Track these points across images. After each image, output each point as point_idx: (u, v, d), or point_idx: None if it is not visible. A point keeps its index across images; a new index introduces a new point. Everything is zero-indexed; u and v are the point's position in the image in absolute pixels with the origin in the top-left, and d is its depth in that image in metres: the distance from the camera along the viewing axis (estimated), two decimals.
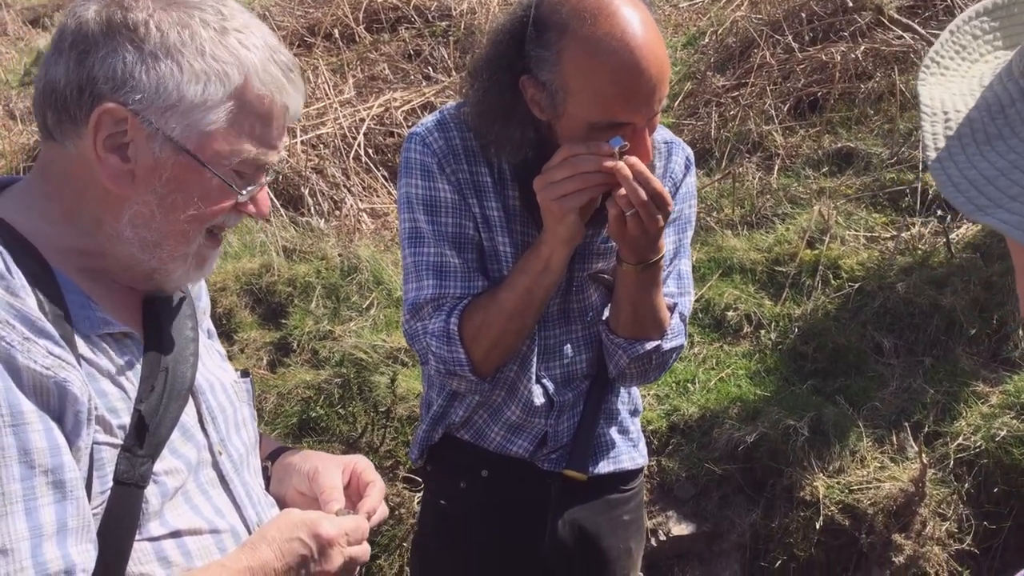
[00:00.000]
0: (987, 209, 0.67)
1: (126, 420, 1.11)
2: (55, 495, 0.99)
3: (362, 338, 3.73)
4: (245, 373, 1.40)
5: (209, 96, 1.11)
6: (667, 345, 1.80)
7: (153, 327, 1.21)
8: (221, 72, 1.11)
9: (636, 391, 2.01)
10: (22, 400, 0.98)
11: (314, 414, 3.45)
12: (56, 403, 1.01)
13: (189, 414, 1.20)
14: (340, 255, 4.22)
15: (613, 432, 1.93)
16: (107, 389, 1.10)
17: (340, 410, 3.47)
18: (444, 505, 1.94)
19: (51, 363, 1.01)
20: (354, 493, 1.36)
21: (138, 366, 1.15)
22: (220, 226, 1.21)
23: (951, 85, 0.77)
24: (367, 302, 3.99)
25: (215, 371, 1.31)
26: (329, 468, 1.36)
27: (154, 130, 1.09)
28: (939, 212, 3.89)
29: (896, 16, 4.57)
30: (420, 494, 2.98)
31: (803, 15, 5.18)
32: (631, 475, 1.97)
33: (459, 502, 1.92)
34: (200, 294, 1.39)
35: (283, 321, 3.95)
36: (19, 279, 1.03)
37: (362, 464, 1.40)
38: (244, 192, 1.17)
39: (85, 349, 1.09)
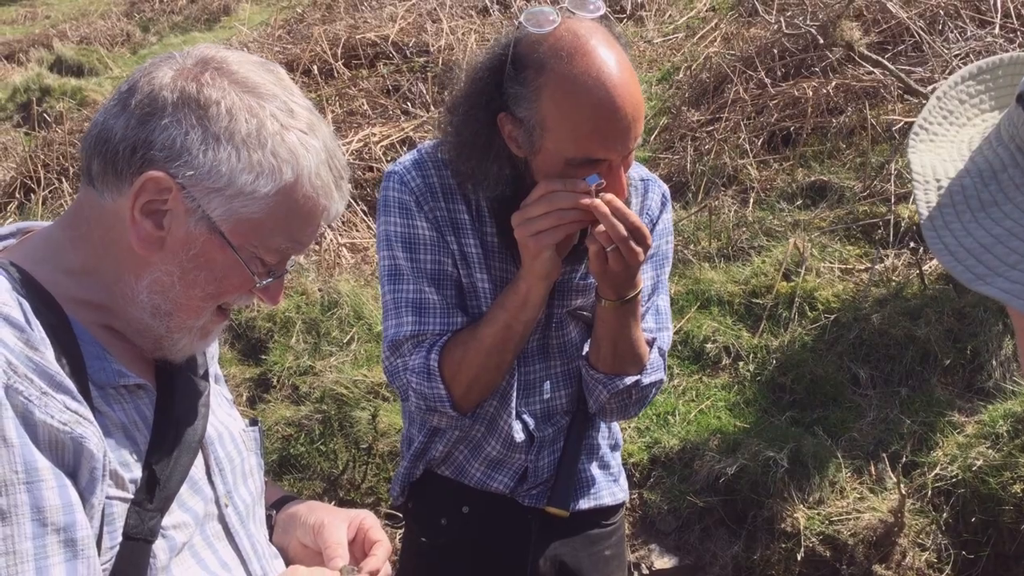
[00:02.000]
0: (986, 278, 0.67)
1: (137, 474, 1.10)
2: (66, 554, 0.98)
3: (343, 373, 3.73)
4: (254, 422, 1.39)
5: (258, 188, 1.11)
6: (646, 380, 1.81)
7: (165, 378, 1.21)
8: (276, 168, 1.11)
9: (616, 426, 2.02)
10: (37, 457, 0.97)
11: (295, 451, 3.43)
12: (71, 459, 1.01)
13: (198, 466, 1.20)
14: (320, 290, 4.22)
15: (594, 467, 1.94)
16: (119, 443, 1.10)
17: (321, 447, 3.45)
18: (425, 542, 1.94)
19: (68, 418, 1.00)
20: (358, 550, 1.34)
21: (150, 419, 1.15)
22: (230, 304, 1.20)
23: (940, 151, 0.78)
24: (347, 337, 3.99)
25: (224, 420, 1.31)
26: (335, 523, 1.34)
27: (196, 207, 1.10)
28: (912, 244, 3.96)
29: (866, 52, 4.67)
30: (401, 531, 2.96)
31: (775, 51, 5.29)
32: (612, 510, 1.97)
33: (440, 539, 1.91)
34: None
35: (263, 357, 3.94)
36: (38, 331, 1.03)
37: (369, 521, 1.38)
38: (263, 282, 1.17)
39: (99, 401, 1.09)
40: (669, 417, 3.49)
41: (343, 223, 4.97)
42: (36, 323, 1.03)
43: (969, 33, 4.90)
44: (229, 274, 1.14)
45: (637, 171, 1.87)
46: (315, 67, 6.21)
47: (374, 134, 5.50)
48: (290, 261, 1.24)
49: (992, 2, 4.96)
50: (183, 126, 1.08)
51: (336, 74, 6.16)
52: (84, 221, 1.14)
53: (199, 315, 1.16)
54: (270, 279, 1.19)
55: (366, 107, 5.82)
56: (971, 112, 0.82)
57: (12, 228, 1.20)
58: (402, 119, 5.72)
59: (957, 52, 4.79)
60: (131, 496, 1.09)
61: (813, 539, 2.98)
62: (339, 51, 6.31)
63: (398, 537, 3.02)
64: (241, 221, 1.11)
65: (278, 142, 1.11)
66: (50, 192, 5.66)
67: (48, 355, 1.02)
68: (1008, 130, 0.72)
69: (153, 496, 1.10)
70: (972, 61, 4.67)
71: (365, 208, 5.08)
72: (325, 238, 4.79)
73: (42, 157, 5.90)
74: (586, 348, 1.84)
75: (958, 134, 0.81)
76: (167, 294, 1.13)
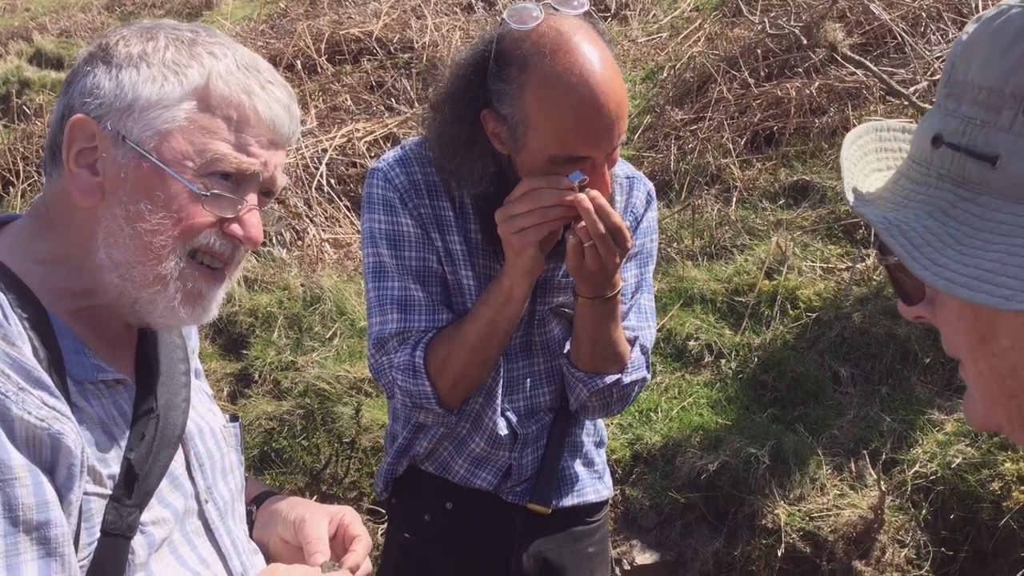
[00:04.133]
0: (1018, 296, 0.69)
1: (115, 469, 1.09)
2: (39, 551, 0.96)
3: (325, 369, 3.71)
4: (234, 418, 1.37)
5: (166, 94, 1.09)
6: (627, 379, 1.81)
7: (145, 372, 1.19)
8: (179, 72, 1.10)
9: (601, 422, 2.02)
10: (12, 454, 0.95)
11: (277, 445, 3.41)
12: (49, 455, 0.99)
13: (178, 462, 1.18)
14: (303, 285, 4.21)
15: (578, 465, 1.94)
16: (97, 438, 1.08)
17: (303, 441, 3.43)
18: (408, 538, 1.93)
19: (46, 415, 0.99)
20: (339, 546, 1.34)
21: (129, 413, 1.13)
22: (206, 250, 1.13)
23: (879, 203, 0.82)
24: (330, 332, 3.97)
25: (204, 415, 1.29)
26: (316, 518, 1.33)
27: (115, 135, 1.08)
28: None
29: (849, 53, 4.69)
30: (384, 526, 2.96)
31: (759, 52, 5.31)
32: (596, 507, 1.98)
33: (423, 535, 1.91)
34: (191, 333, 1.36)
35: (244, 352, 3.92)
36: (15, 325, 1.02)
37: (349, 516, 1.37)
38: (207, 193, 1.10)
39: (77, 396, 1.07)
40: (651, 414, 3.50)
41: (326, 218, 4.95)
42: (13, 317, 1.02)
43: (951, 35, 4.94)
44: (172, 199, 1.09)
45: (623, 169, 1.87)
46: (298, 62, 6.18)
47: (357, 130, 5.48)
48: (268, 204, 1.19)
49: (974, 5, 5.01)
50: (92, 71, 1.10)
51: (319, 69, 6.14)
52: (44, 208, 1.14)
53: (160, 260, 1.10)
54: (237, 206, 1.12)
55: (350, 103, 5.80)
56: (872, 159, 0.88)
57: None
58: (386, 115, 5.70)
59: (939, 54, 4.83)
60: (109, 492, 1.07)
61: (794, 535, 3.00)
62: (323, 46, 6.28)
63: (380, 532, 3.02)
64: (162, 134, 1.09)
65: (180, 52, 1.11)
66: (29, 185, 5.60)
67: (25, 350, 1.00)
68: (937, 170, 0.77)
69: (132, 492, 1.08)
70: None
71: (348, 204, 5.07)
72: (308, 233, 4.78)
73: (21, 150, 5.84)
74: (567, 346, 1.84)
75: (876, 178, 0.86)
76: (120, 241, 1.09)
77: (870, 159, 0.87)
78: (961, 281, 0.72)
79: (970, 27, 0.78)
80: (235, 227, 1.14)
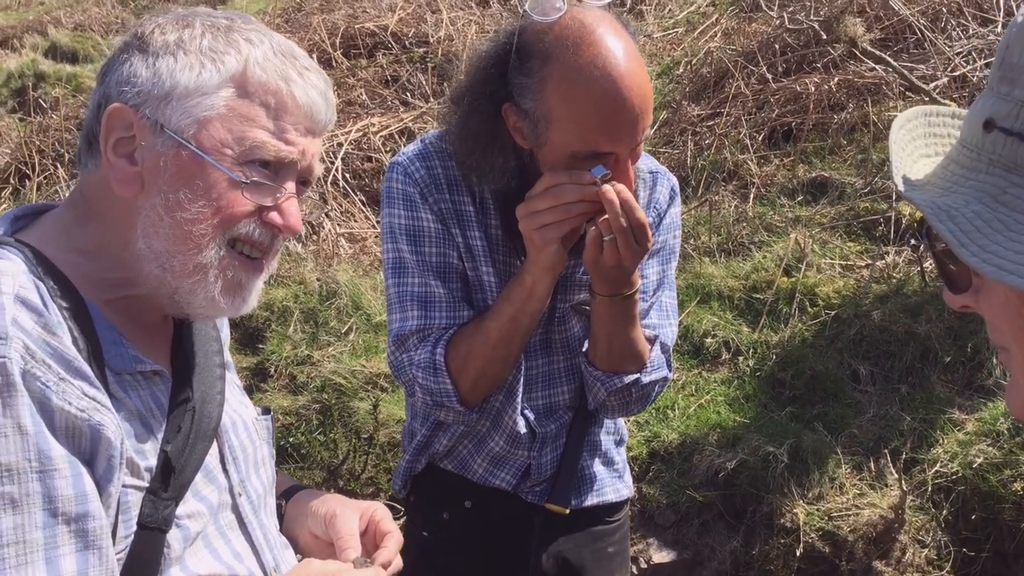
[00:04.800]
0: None
1: (152, 462, 1.08)
2: (77, 544, 0.96)
3: (341, 363, 3.71)
4: (266, 410, 1.36)
5: (204, 82, 1.07)
6: (647, 378, 1.78)
7: (181, 364, 1.18)
8: (217, 59, 1.08)
9: (621, 421, 1.99)
10: (52, 445, 0.95)
11: (294, 440, 3.41)
12: (88, 446, 0.99)
13: (212, 455, 1.17)
14: (318, 280, 4.20)
15: (597, 464, 1.92)
16: (135, 430, 1.07)
17: (320, 436, 3.43)
18: (426, 536, 1.92)
19: (86, 405, 0.98)
20: (369, 542, 1.33)
21: (166, 405, 1.12)
22: (245, 239, 1.12)
23: (928, 188, 0.81)
24: (346, 327, 3.97)
25: (237, 408, 1.28)
26: (347, 514, 1.32)
27: (153, 123, 1.07)
28: (912, 241, 3.95)
29: (869, 48, 4.65)
30: (401, 523, 2.95)
31: (777, 47, 5.27)
32: (616, 507, 1.96)
33: (442, 533, 1.89)
34: (222, 325, 1.35)
35: (260, 346, 3.92)
36: (55, 315, 1.01)
37: (380, 512, 1.36)
38: (246, 181, 1.08)
39: (115, 387, 1.06)
40: (668, 411, 3.48)
41: (341, 213, 4.95)
42: (53, 306, 1.01)
43: (971, 31, 4.89)
44: (212, 187, 1.08)
45: (646, 163, 1.85)
46: (313, 56, 6.15)
47: (373, 124, 5.47)
48: (306, 193, 1.18)
49: (995, 1, 4.95)
50: (128, 59, 1.09)
51: (334, 64, 6.13)
52: (82, 199, 1.13)
53: (200, 249, 1.08)
54: (276, 194, 1.11)
55: (365, 97, 5.78)
56: (921, 151, 0.87)
57: (26, 209, 1.17)
58: (401, 110, 5.69)
59: (959, 50, 4.78)
60: (146, 484, 1.07)
61: (812, 535, 2.97)
62: (338, 41, 6.27)
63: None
64: (201, 122, 1.07)
65: (217, 40, 1.09)
66: (45, 178, 5.62)
67: (65, 339, 1.00)
68: (988, 155, 0.76)
69: (168, 484, 1.08)
70: (974, 59, 4.67)
71: (363, 198, 5.06)
72: (323, 228, 4.77)
73: (37, 143, 5.85)
74: (586, 345, 1.82)
75: (926, 163, 0.85)
76: (160, 231, 1.08)
77: (918, 144, 0.86)
78: (1012, 268, 0.71)
79: None
80: (274, 215, 1.13)
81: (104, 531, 0.99)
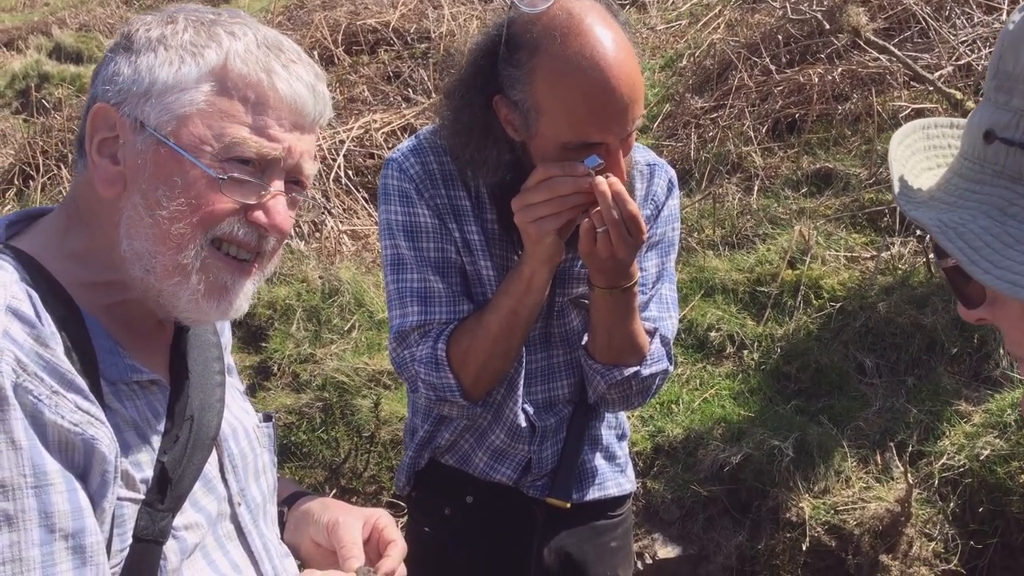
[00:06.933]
0: None
1: (149, 473, 1.06)
2: (74, 560, 0.94)
3: (344, 361, 3.70)
4: (268, 417, 1.34)
5: (183, 77, 1.05)
6: (647, 371, 1.77)
7: (180, 371, 1.15)
8: (197, 53, 1.06)
9: (623, 415, 1.99)
10: (47, 459, 0.93)
11: (296, 439, 3.41)
12: (82, 460, 0.97)
13: (211, 464, 1.15)
14: (321, 277, 4.20)
15: (598, 458, 1.91)
16: (131, 440, 1.05)
17: (322, 435, 3.43)
18: (428, 532, 1.91)
19: (79, 419, 0.96)
20: (373, 550, 1.30)
21: (163, 415, 1.10)
22: (229, 239, 1.09)
23: (932, 204, 0.79)
24: (348, 324, 3.96)
25: (238, 415, 1.26)
26: (350, 521, 1.29)
27: (134, 121, 1.05)
28: (918, 232, 3.92)
29: (872, 38, 4.62)
30: (403, 520, 2.95)
31: (780, 37, 5.23)
32: (618, 501, 1.95)
33: (443, 529, 1.89)
34: (223, 329, 1.33)
35: (263, 344, 3.91)
36: (48, 325, 0.98)
37: (384, 520, 1.33)
38: (224, 177, 1.05)
39: (111, 398, 1.04)
40: (673, 406, 3.46)
41: (343, 210, 4.94)
42: (46, 316, 0.99)
43: (976, 19, 4.85)
44: (191, 185, 1.05)
45: (643, 156, 1.83)
46: (315, 53, 6.15)
47: (375, 121, 5.46)
48: (300, 193, 1.14)
49: None
50: (113, 58, 1.08)
51: (336, 60, 6.12)
52: (73, 203, 1.12)
53: (180, 248, 1.05)
54: (260, 191, 1.08)
55: (367, 94, 5.78)
56: (922, 164, 0.85)
57: (21, 214, 1.16)
58: (403, 106, 5.68)
59: (964, 39, 4.74)
60: (142, 496, 1.05)
61: (818, 528, 2.96)
62: (339, 37, 6.27)
63: (400, 526, 3.00)
64: (180, 118, 1.05)
65: (199, 32, 1.07)
66: (48, 179, 5.63)
67: (58, 351, 0.97)
68: (991, 166, 0.75)
69: (164, 496, 1.05)
70: (979, 47, 4.63)
71: (366, 195, 5.05)
72: (326, 225, 4.77)
73: (41, 144, 5.86)
74: (585, 338, 1.80)
75: (928, 176, 0.83)
76: (140, 231, 1.05)
77: (919, 158, 0.84)
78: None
79: (1016, 15, 0.74)
80: (259, 214, 1.09)
81: (100, 546, 0.97)
